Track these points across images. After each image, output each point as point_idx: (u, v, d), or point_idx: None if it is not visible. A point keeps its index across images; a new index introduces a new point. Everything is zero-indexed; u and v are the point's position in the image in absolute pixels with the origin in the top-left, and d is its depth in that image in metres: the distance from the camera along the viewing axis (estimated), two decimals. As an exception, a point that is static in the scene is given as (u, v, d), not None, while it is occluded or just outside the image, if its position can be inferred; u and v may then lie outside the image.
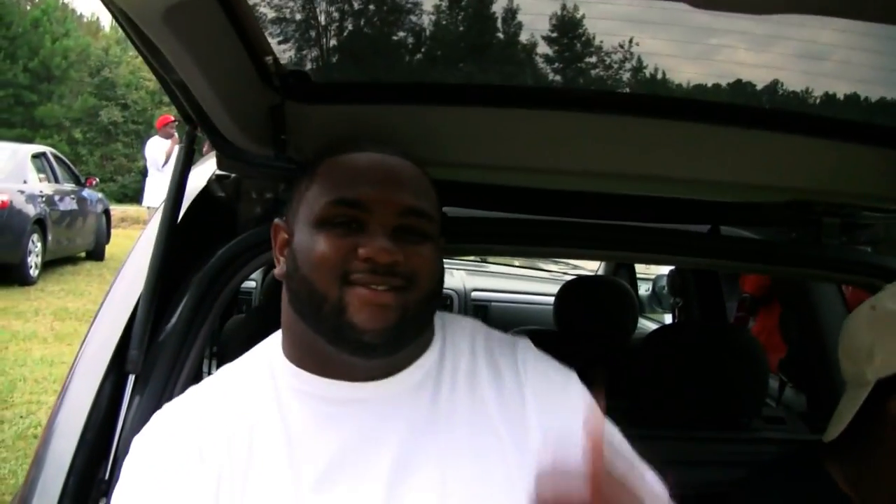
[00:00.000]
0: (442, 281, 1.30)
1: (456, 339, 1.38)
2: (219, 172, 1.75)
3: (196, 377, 1.60)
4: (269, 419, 1.26)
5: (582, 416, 1.28)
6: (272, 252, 1.35)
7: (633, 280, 5.57)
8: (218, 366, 2.55)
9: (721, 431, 2.20)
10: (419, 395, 1.30)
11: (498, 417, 1.30)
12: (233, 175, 1.74)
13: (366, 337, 1.20)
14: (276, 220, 1.34)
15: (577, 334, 2.84)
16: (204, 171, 1.89)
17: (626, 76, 1.70)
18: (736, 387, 2.19)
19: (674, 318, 5.02)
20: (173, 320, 1.64)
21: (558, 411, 1.31)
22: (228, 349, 2.30)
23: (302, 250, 1.24)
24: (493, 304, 5.30)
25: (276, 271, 1.34)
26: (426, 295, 1.24)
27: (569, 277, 4.01)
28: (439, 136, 1.60)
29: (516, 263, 7.01)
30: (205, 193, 1.87)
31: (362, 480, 1.22)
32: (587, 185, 1.88)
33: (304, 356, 1.29)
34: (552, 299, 3.03)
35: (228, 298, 1.74)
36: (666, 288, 5.57)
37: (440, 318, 1.40)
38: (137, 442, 1.27)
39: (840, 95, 1.76)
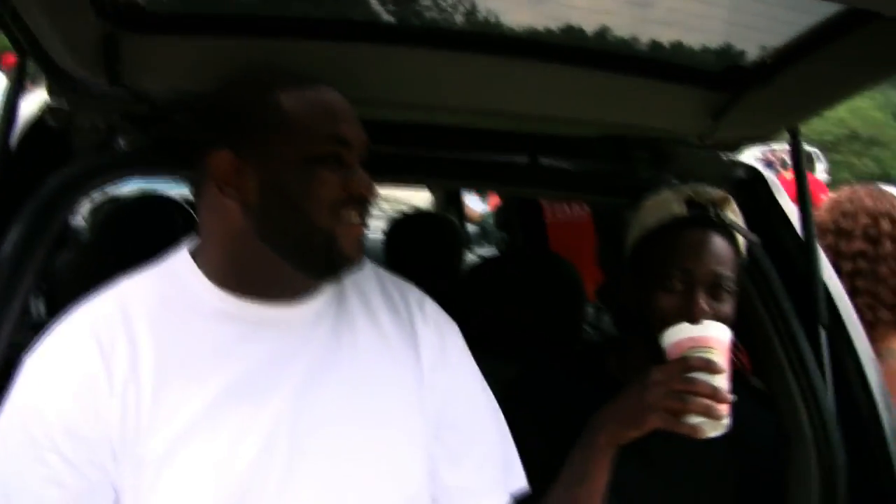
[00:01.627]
0: None
1: (355, 274, 1.47)
2: (50, 101, 1.71)
3: (23, 314, 1.58)
4: (179, 336, 1.31)
5: (459, 358, 1.51)
6: (215, 182, 1.34)
7: (462, 217, 5.72)
8: (47, 305, 2.51)
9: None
10: (325, 317, 1.40)
11: (396, 345, 1.44)
12: (66, 105, 1.71)
13: (350, 264, 1.32)
14: (217, 150, 1.33)
15: (406, 269, 2.91)
16: (36, 101, 1.85)
17: (460, 15, 1.77)
18: (554, 313, 2.31)
19: (500, 252, 5.18)
20: (2, 252, 1.61)
21: (441, 347, 1.49)
22: (61, 287, 2.26)
23: (292, 185, 1.30)
24: None
25: (231, 202, 1.34)
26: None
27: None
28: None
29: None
30: (37, 123, 1.83)
31: (271, 396, 1.31)
32: (422, 118, 1.94)
33: (233, 278, 1.35)
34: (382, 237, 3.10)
35: (59, 231, 1.71)
36: (493, 224, 5.76)
37: None
38: (32, 364, 1.30)
39: (654, 38, 1.88)
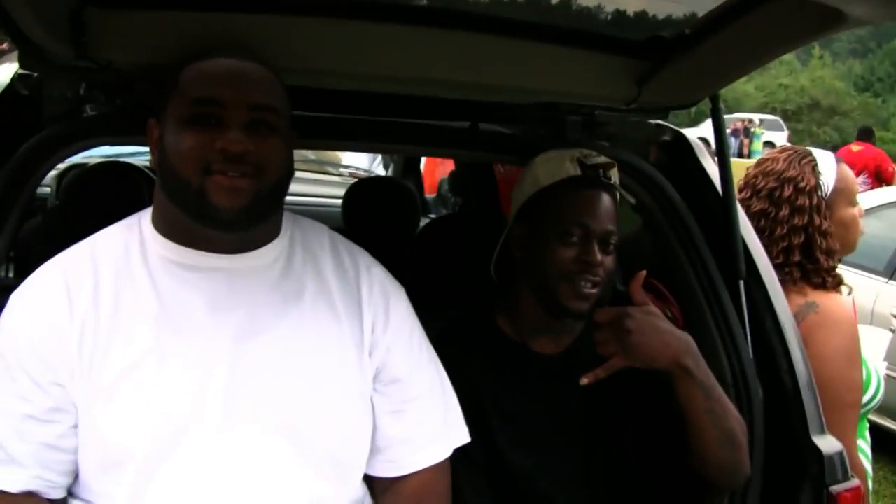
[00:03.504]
0: (290, 169, 1.52)
1: (306, 234, 1.63)
2: (21, 71, 1.81)
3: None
4: (136, 280, 1.46)
5: (402, 319, 1.64)
6: (150, 148, 1.52)
7: (420, 183, 5.83)
8: (16, 270, 2.60)
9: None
10: (270, 271, 1.53)
11: (339, 303, 1.57)
12: (35, 74, 1.82)
13: (224, 215, 1.40)
14: (150, 120, 1.51)
15: (363, 232, 3.02)
16: (8, 69, 1.95)
17: None
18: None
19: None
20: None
21: (385, 309, 1.61)
22: (29, 252, 2.36)
23: (170, 145, 1.42)
24: (287, 206, 5.42)
25: (151, 162, 1.52)
26: (275, 180, 1.46)
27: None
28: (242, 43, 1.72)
29: (311, 169, 7.22)
30: (8, 91, 1.93)
31: (210, 339, 1.44)
32: (376, 87, 2.06)
33: (172, 230, 1.48)
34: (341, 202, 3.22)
35: (31, 196, 1.83)
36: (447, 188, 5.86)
37: (292, 217, 1.64)
38: (12, 298, 1.47)
39: (583, 10, 2.01)
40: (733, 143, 32.03)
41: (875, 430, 5.79)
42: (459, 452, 1.71)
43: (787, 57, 74.48)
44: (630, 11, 2.01)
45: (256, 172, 1.42)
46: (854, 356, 2.22)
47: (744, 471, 1.93)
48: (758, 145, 28.05)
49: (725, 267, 2.13)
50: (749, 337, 2.09)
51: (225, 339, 1.46)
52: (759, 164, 2.49)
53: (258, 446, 1.45)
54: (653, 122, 2.33)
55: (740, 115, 37.69)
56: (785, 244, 2.32)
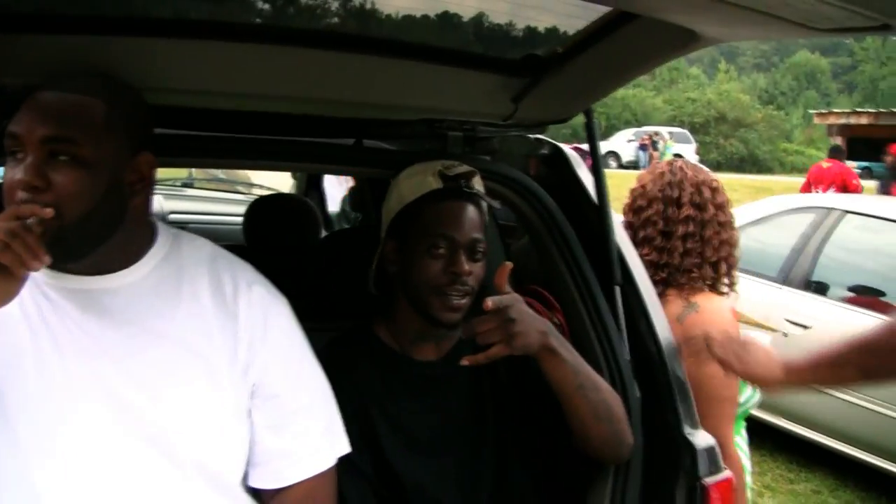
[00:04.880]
0: (95, 195, 1.46)
1: (184, 250, 1.64)
2: None
3: None
4: (41, 302, 1.51)
5: (282, 335, 1.67)
6: None
7: (323, 199, 5.89)
8: None
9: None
10: (139, 289, 1.56)
11: (213, 320, 1.60)
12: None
13: None
14: None
15: (264, 248, 3.08)
16: None
17: (289, 13, 2.04)
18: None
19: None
20: None
21: (264, 325, 1.64)
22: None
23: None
24: (190, 225, 5.45)
25: None
26: (80, 213, 1.43)
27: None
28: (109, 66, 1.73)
29: (213, 187, 7.26)
30: None
31: (81, 354, 1.49)
32: (264, 107, 2.10)
33: None
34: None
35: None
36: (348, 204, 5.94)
37: (172, 233, 1.66)
38: None
39: (462, 31, 2.12)
40: (642, 156, 32.67)
41: (771, 430, 6.03)
42: (345, 462, 1.76)
43: (695, 71, 76.00)
44: (506, 31, 2.12)
45: (50, 204, 1.39)
46: None
47: (626, 440, 2.01)
48: (667, 158, 28.64)
49: (602, 273, 2.23)
50: (625, 340, 2.19)
51: (93, 357, 1.50)
52: (655, 177, 2.62)
53: (130, 459, 1.50)
54: (532, 136, 2.42)
55: (648, 128, 38.44)
56: (681, 250, 2.46)
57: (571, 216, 2.29)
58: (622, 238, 2.29)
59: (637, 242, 2.48)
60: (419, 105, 2.19)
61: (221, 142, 2.11)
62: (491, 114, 2.24)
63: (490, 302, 1.76)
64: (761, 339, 2.36)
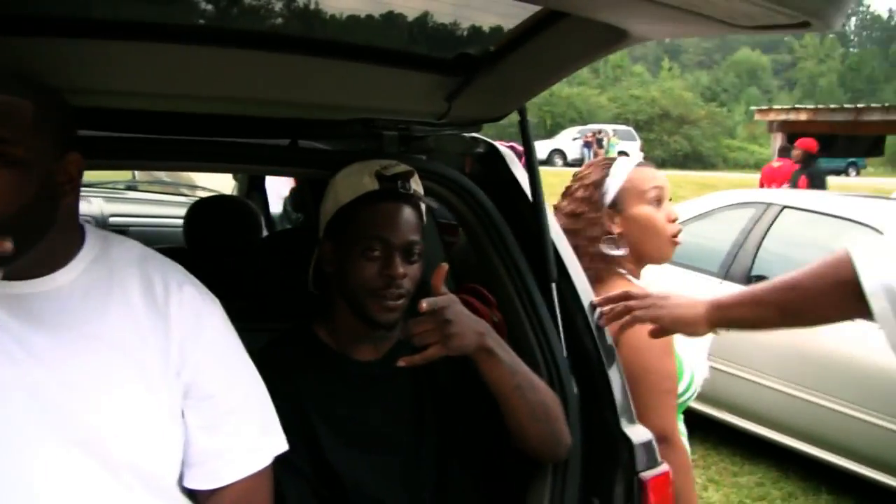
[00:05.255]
0: (27, 195, 1.44)
1: (114, 253, 1.63)
2: None
3: None
4: None
5: (214, 334, 1.67)
6: None
7: (265, 201, 5.88)
8: None
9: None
10: (68, 292, 1.55)
11: (145, 322, 1.59)
12: None
13: None
14: None
15: (205, 250, 3.07)
16: None
17: (225, 14, 2.02)
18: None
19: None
20: None
21: (196, 326, 1.64)
22: None
23: None
24: (131, 228, 5.44)
25: None
26: (3, 210, 1.40)
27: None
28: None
29: (157, 189, 7.24)
30: None
31: (8, 360, 1.48)
32: (198, 108, 2.09)
33: None
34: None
35: None
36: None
37: (101, 236, 1.65)
38: None
39: (395, 31, 2.11)
40: (587, 153, 32.94)
41: (715, 424, 6.11)
42: (284, 462, 1.76)
43: (639, 69, 76.74)
44: (439, 31, 2.12)
45: None
46: (667, 346, 2.33)
47: (563, 440, 2.04)
48: (612, 155, 29.00)
49: (538, 270, 2.24)
50: (562, 336, 2.20)
51: (22, 361, 1.49)
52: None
53: (63, 464, 1.49)
54: (468, 135, 2.43)
55: (593, 126, 38.77)
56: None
57: (507, 214, 2.30)
58: (557, 234, 2.30)
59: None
60: (354, 105, 2.18)
61: (155, 143, 2.09)
62: (425, 113, 2.25)
63: (425, 304, 1.76)
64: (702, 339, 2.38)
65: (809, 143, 12.89)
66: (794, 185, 12.22)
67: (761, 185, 13.19)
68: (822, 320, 1.87)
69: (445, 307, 1.79)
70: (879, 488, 5.26)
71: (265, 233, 4.04)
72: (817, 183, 11.91)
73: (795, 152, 13.04)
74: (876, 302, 1.63)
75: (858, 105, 19.79)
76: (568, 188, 2.57)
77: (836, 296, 1.73)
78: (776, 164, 13.42)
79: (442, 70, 2.12)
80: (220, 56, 1.91)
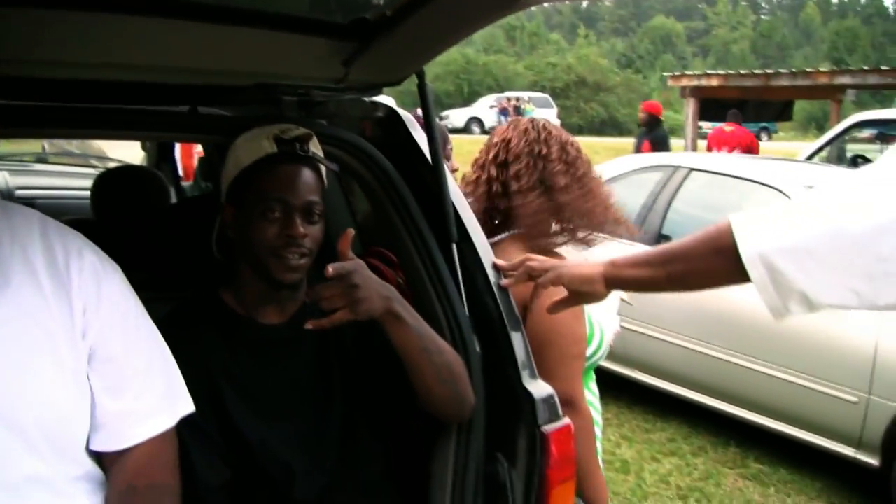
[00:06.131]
0: None
1: (13, 221, 1.62)
2: None
3: None
4: None
5: (116, 298, 1.67)
6: None
7: (175, 170, 5.83)
8: None
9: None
10: None
11: (48, 288, 1.59)
12: None
13: None
14: None
15: (112, 220, 3.06)
16: None
17: None
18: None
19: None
20: None
21: (97, 292, 1.64)
22: None
23: None
24: (38, 200, 5.36)
25: None
26: None
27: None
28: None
29: (66, 161, 7.13)
30: None
31: None
32: (101, 75, 2.07)
33: None
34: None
35: None
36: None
37: (2, 206, 1.64)
38: None
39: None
40: (503, 121, 33.01)
41: (628, 383, 6.26)
42: (191, 427, 1.78)
43: (555, 37, 77.19)
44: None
45: None
46: (577, 311, 2.39)
47: (468, 400, 2.09)
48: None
49: (439, 232, 2.28)
50: (464, 297, 2.24)
51: None
52: (521, 133, 2.64)
53: None
54: (368, 99, 2.45)
55: (510, 94, 38.88)
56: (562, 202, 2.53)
57: (408, 177, 2.33)
58: (457, 196, 2.33)
59: (510, 194, 2.54)
60: (253, 71, 2.18)
61: (52, 111, 2.08)
62: (324, 78, 2.25)
63: (332, 269, 1.79)
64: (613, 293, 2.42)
65: (655, 107, 13.07)
66: (638, 149, 12.40)
67: (709, 149, 13.27)
68: (706, 286, 1.93)
69: (352, 272, 1.82)
70: (784, 439, 5.49)
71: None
72: (660, 148, 11.98)
73: (641, 115, 13.23)
74: (753, 270, 1.69)
75: (767, 71, 20.14)
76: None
77: (717, 263, 1.79)
78: (728, 128, 13.54)
79: (339, 35, 2.12)
80: (120, 23, 1.89)
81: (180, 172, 6.32)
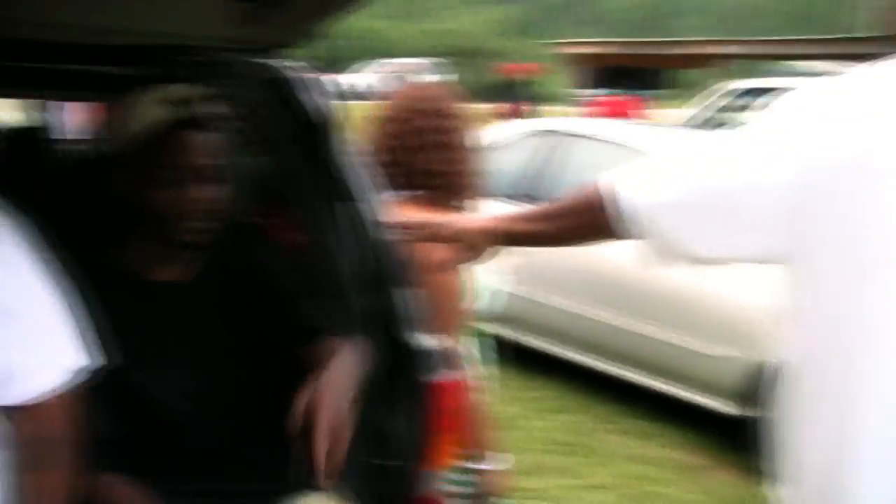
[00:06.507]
0: None
1: None
2: None
3: None
4: None
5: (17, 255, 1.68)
6: None
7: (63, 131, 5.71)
8: None
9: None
10: None
11: None
12: None
13: None
14: None
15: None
16: None
17: None
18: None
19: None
20: None
21: None
22: None
23: None
24: None
25: None
26: None
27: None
28: None
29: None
30: None
31: None
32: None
33: None
34: None
35: None
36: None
37: None
38: None
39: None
40: (395, 86, 32.78)
41: (513, 345, 6.44)
42: (86, 381, 1.77)
43: (452, 2, 76.67)
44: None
45: None
46: (466, 268, 2.41)
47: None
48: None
49: (330, 190, 2.33)
50: (357, 252, 2.30)
51: None
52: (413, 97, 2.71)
53: None
54: (260, 60, 2.47)
55: (405, 60, 38.66)
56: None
57: (300, 137, 2.36)
58: (348, 157, 2.38)
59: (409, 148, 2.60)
60: (146, 30, 2.19)
61: None
62: (217, 38, 2.28)
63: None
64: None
65: (511, 70, 13.40)
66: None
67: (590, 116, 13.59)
68: (587, 240, 2.01)
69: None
70: (663, 395, 5.82)
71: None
72: (519, 108, 12.56)
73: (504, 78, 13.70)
74: (632, 225, 1.76)
75: (653, 39, 20.60)
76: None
77: (597, 218, 1.87)
78: (607, 96, 13.93)
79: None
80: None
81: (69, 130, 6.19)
